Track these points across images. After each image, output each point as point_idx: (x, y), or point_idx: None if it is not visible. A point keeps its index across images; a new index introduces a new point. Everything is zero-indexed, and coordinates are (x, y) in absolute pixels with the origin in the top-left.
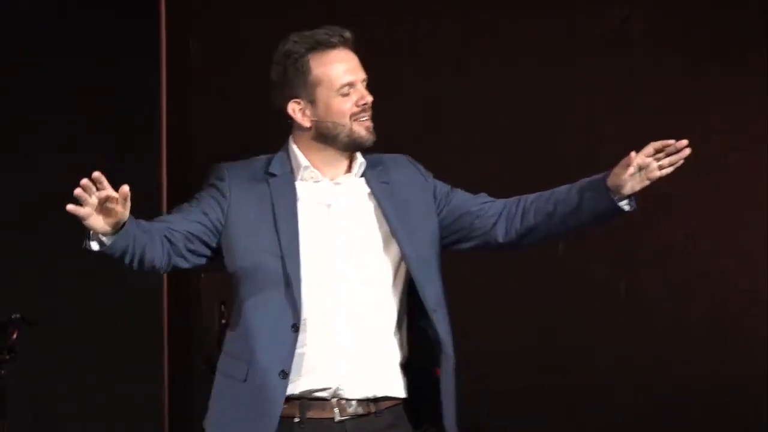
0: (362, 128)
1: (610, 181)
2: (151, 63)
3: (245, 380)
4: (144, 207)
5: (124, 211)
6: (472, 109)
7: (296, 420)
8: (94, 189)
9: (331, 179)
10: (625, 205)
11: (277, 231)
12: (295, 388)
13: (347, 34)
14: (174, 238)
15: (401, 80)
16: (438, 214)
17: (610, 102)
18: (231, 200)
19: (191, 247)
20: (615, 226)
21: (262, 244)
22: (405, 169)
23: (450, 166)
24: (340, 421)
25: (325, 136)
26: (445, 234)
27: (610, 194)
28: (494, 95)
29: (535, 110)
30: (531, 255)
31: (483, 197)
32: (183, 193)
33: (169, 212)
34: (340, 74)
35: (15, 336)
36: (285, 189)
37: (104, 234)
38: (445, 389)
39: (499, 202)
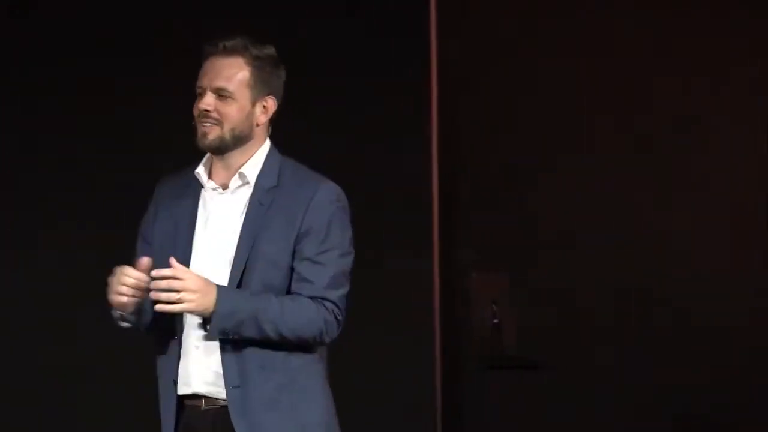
0: (199, 132)
1: None
2: (420, 73)
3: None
4: (414, 221)
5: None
6: (661, 108)
7: (202, 408)
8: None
9: (222, 185)
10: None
11: (174, 245)
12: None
13: (228, 44)
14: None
15: (594, 78)
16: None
17: None
18: (156, 219)
19: None
20: None
21: (164, 257)
22: (300, 199)
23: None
24: (206, 410)
25: None
26: None
27: None
28: (678, 95)
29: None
30: None
31: (298, 286)
32: (454, 209)
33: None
34: (199, 78)
35: None
36: (187, 199)
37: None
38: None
39: None
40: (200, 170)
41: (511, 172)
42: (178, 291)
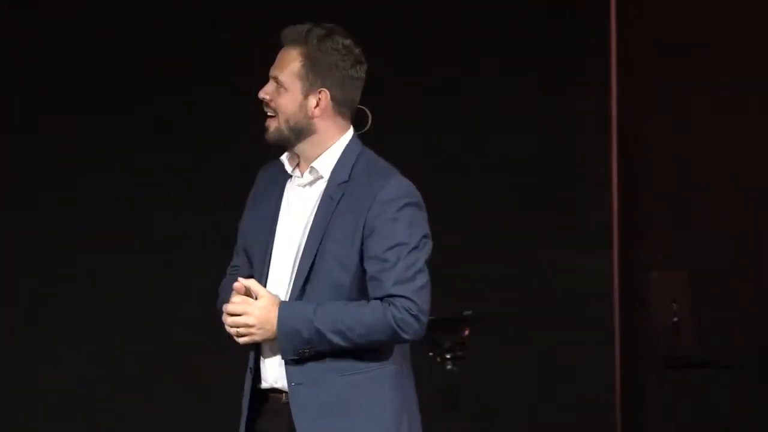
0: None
1: None
2: (601, 72)
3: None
4: (595, 220)
5: None
6: None
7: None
8: None
9: (302, 176)
10: None
11: (259, 238)
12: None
13: (290, 33)
14: None
15: None
16: (360, 248)
17: None
18: (251, 208)
19: None
20: None
21: (251, 253)
22: (366, 196)
23: None
24: (286, 403)
25: None
26: None
27: None
28: None
29: None
30: None
31: (370, 286)
32: (634, 208)
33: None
34: None
35: (466, 332)
36: (276, 189)
37: None
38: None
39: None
40: (284, 158)
41: (691, 169)
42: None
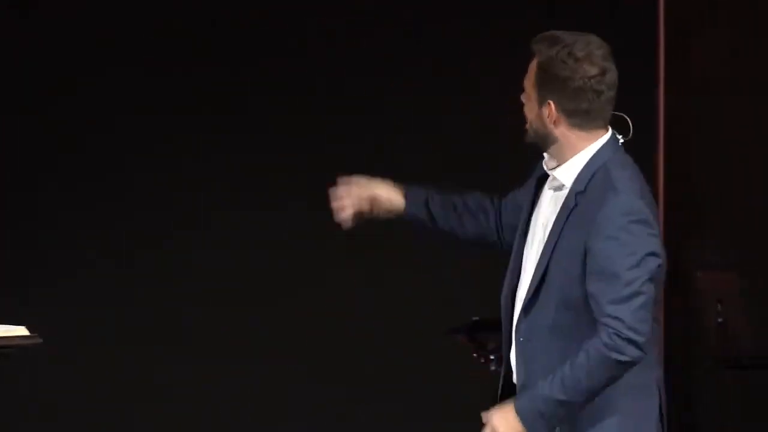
0: None
1: None
2: (647, 74)
3: None
4: None
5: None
6: None
7: None
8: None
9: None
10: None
11: (518, 236)
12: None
13: (532, 43)
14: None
15: None
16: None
17: None
18: (519, 194)
19: None
20: None
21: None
22: (592, 210)
23: None
24: None
25: None
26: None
27: None
28: None
29: None
30: None
31: (592, 303)
32: (680, 209)
33: None
34: None
35: None
36: (533, 187)
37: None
38: None
39: None
40: (546, 159)
41: (736, 169)
42: None
